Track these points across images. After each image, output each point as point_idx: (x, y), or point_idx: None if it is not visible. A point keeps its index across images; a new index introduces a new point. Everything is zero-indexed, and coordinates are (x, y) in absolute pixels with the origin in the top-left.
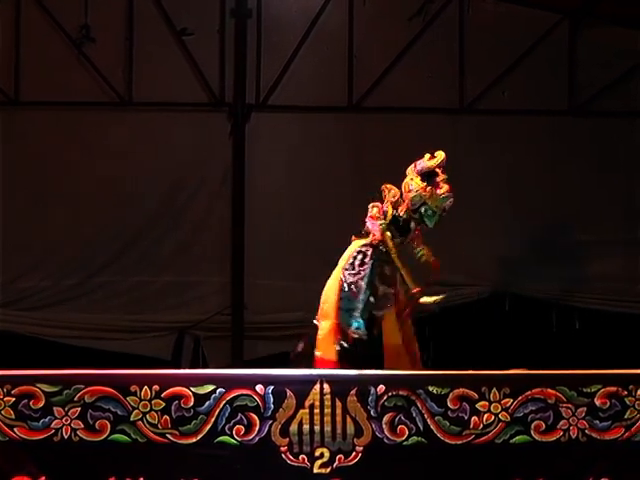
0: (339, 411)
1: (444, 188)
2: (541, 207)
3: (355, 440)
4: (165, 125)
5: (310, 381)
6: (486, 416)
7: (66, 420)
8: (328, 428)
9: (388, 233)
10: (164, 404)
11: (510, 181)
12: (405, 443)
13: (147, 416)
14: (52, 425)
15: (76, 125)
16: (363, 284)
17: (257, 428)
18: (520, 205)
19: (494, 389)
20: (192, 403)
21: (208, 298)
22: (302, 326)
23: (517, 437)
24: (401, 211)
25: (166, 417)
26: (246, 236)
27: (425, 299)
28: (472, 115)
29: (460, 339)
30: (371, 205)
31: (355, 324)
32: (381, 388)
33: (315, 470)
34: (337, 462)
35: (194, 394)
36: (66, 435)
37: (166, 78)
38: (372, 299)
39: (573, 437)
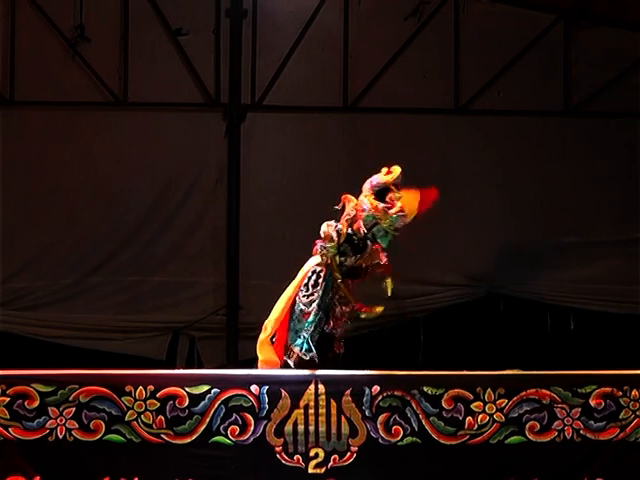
0: (334, 411)
1: (397, 207)
2: (536, 208)
3: (350, 440)
4: (160, 125)
5: (305, 381)
6: (481, 416)
7: (61, 420)
8: (323, 428)
9: (337, 258)
10: (159, 404)
11: (505, 182)
12: (400, 443)
13: (142, 416)
14: (47, 425)
15: (71, 125)
16: (315, 306)
17: (252, 428)
18: (515, 206)
19: (489, 389)
20: (187, 403)
21: (203, 298)
22: None
23: (512, 437)
24: (356, 229)
25: (161, 417)
26: (241, 236)
27: (365, 314)
28: (467, 115)
29: (455, 340)
30: (326, 224)
31: (305, 346)
32: (376, 388)
33: (310, 470)
34: (332, 462)
35: (189, 394)
36: (61, 435)
37: (161, 78)
38: (324, 320)
39: (568, 437)
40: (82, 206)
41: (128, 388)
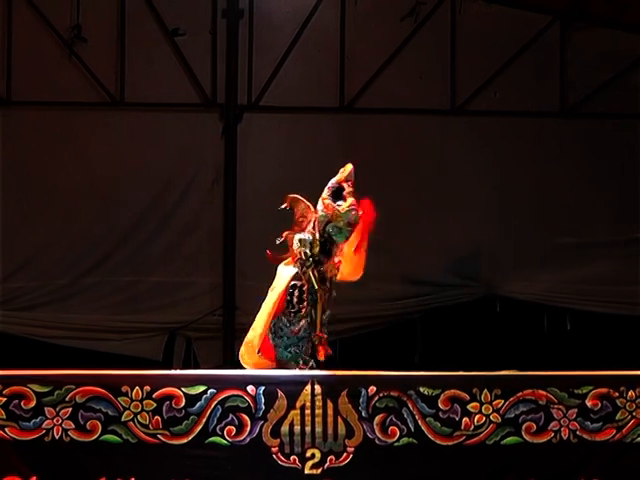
0: (330, 412)
1: (347, 202)
2: (532, 209)
3: (346, 441)
4: (157, 125)
5: (301, 382)
6: (477, 417)
7: (57, 420)
8: (319, 429)
9: (314, 271)
10: (155, 405)
11: (501, 182)
12: (396, 444)
13: (138, 416)
14: (43, 425)
15: (67, 125)
16: (304, 322)
17: (248, 429)
18: (511, 206)
19: (485, 390)
20: (183, 404)
21: (199, 299)
22: None
23: (508, 438)
24: (317, 233)
25: (157, 418)
26: (238, 236)
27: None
28: (463, 116)
29: (451, 340)
30: (296, 239)
31: (305, 362)
32: (372, 389)
33: (306, 471)
34: (328, 463)
35: (185, 395)
36: (57, 435)
37: (158, 78)
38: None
39: (564, 438)
40: (79, 206)
41: (124, 388)
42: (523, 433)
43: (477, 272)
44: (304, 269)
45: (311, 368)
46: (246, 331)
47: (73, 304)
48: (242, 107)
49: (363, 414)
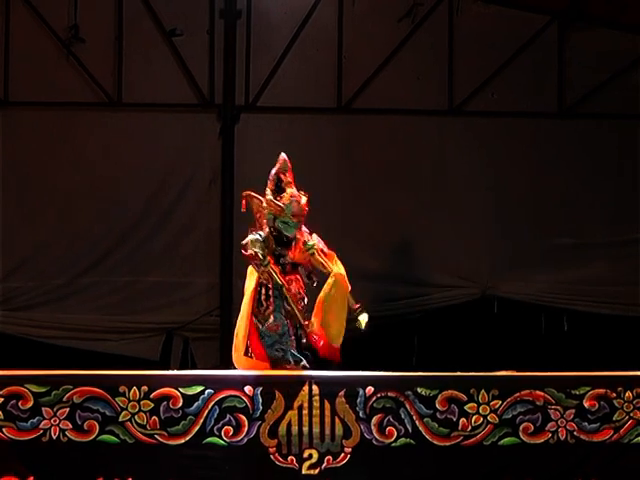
0: (328, 412)
1: (286, 194)
2: (529, 209)
3: (344, 441)
4: (154, 126)
5: (299, 382)
6: (475, 418)
7: (55, 420)
8: (317, 429)
9: (273, 267)
10: (153, 405)
11: (498, 183)
12: (394, 444)
13: (136, 417)
14: (40, 425)
15: (65, 125)
16: (272, 318)
17: (246, 429)
18: (508, 207)
19: (483, 391)
20: (181, 404)
21: (196, 299)
22: None
23: (505, 439)
24: (268, 229)
25: (155, 418)
26: (235, 237)
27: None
28: (460, 117)
29: (449, 341)
30: (248, 240)
31: (292, 359)
32: (370, 389)
33: (304, 471)
34: (326, 463)
35: (183, 395)
36: (54, 435)
37: (155, 79)
38: (297, 325)
39: (562, 439)
40: (76, 206)
41: (122, 389)
42: (520, 434)
43: (474, 273)
44: (261, 268)
45: (304, 368)
46: None
47: (70, 304)
48: (239, 107)
49: (361, 414)
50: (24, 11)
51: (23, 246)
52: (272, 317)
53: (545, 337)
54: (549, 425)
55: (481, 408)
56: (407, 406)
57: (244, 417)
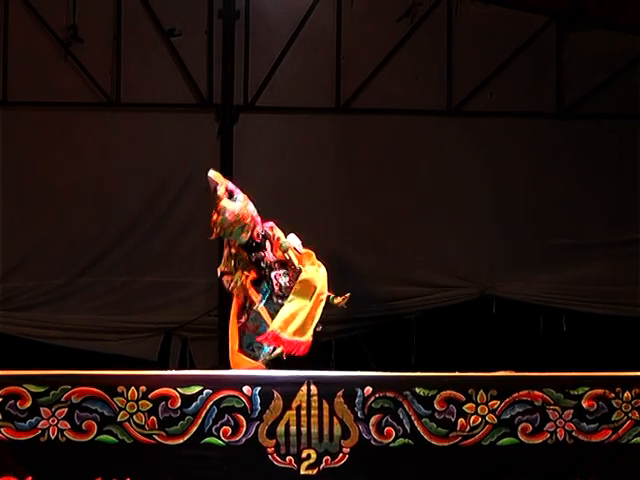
0: (326, 412)
1: (215, 212)
2: (528, 209)
3: (342, 442)
4: (153, 126)
5: (297, 382)
6: (473, 418)
7: (53, 421)
8: (315, 429)
9: (249, 288)
10: (151, 405)
11: (497, 183)
12: (392, 445)
13: (134, 417)
14: (39, 426)
15: (64, 125)
16: (244, 317)
17: (244, 429)
18: (507, 207)
19: (481, 391)
20: (179, 404)
21: (195, 299)
22: None
23: (504, 439)
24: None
25: (153, 418)
26: None
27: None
28: (459, 117)
29: (447, 341)
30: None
31: (266, 363)
32: (368, 390)
33: (302, 472)
34: (324, 464)
35: (181, 395)
36: (53, 436)
37: (154, 79)
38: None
39: (560, 439)
40: (75, 206)
41: (120, 389)
42: (519, 434)
43: (473, 273)
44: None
45: (267, 366)
46: None
47: (69, 304)
48: (238, 107)
49: (359, 415)
50: (23, 11)
51: (22, 246)
52: (244, 317)
53: (544, 337)
54: (547, 425)
55: (479, 408)
56: (405, 406)
57: (242, 417)
